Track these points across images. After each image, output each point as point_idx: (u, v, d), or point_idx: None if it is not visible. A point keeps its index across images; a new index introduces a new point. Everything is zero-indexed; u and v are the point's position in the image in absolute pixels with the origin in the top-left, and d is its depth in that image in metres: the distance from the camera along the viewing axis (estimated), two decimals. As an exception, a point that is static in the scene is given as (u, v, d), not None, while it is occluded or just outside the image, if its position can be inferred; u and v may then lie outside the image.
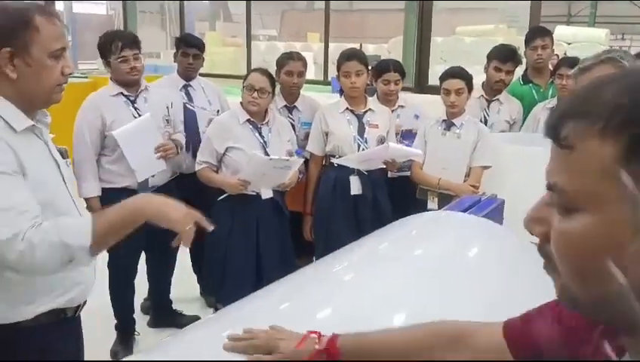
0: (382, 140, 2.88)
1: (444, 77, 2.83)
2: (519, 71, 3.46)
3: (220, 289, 2.76)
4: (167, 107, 2.89)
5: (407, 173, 2.95)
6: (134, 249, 2.84)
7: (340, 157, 2.86)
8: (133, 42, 2.73)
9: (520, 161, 2.50)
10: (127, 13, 9.17)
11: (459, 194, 2.60)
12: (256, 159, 2.58)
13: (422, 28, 5.58)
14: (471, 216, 1.86)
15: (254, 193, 2.69)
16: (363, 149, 2.85)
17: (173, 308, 3.23)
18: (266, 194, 2.70)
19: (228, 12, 15.90)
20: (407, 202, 2.85)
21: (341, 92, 3.03)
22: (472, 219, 1.84)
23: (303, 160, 2.85)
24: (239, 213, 2.70)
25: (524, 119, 3.25)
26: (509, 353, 0.84)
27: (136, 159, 2.67)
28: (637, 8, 13.02)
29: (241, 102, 2.77)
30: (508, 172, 2.64)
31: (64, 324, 1.51)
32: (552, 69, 3.39)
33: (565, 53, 6.06)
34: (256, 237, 2.73)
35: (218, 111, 3.24)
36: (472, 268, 1.56)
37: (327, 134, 2.92)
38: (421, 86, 5.52)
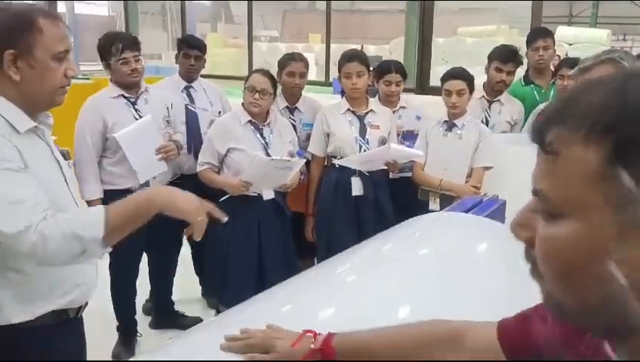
0: (383, 141, 2.88)
1: (446, 78, 2.83)
2: (520, 72, 3.46)
3: (222, 291, 2.76)
4: (168, 108, 2.89)
5: (409, 174, 2.95)
6: (135, 250, 2.84)
7: (341, 158, 2.86)
8: (134, 44, 2.74)
9: (521, 161, 2.48)
10: (128, 14, 9.19)
11: (460, 195, 2.61)
12: (258, 160, 2.58)
13: (423, 29, 5.59)
14: (473, 216, 1.86)
15: (256, 194, 2.69)
16: (364, 150, 2.85)
17: (175, 309, 3.24)
18: (268, 195, 2.71)
19: (229, 13, 15.92)
20: (409, 203, 2.85)
21: (342, 93, 3.04)
22: (474, 220, 1.84)
23: (304, 161, 2.85)
24: (241, 213, 2.70)
25: (526, 120, 3.25)
26: (502, 353, 0.84)
27: (137, 161, 2.67)
28: (638, 9, 13.01)
29: (242, 104, 2.77)
30: (509, 173, 2.64)
31: (66, 325, 1.52)
32: (553, 69, 3.39)
33: (567, 54, 6.07)
34: (258, 238, 2.73)
35: (220, 112, 3.24)
36: (475, 268, 1.56)
37: (328, 135, 2.92)
38: (422, 87, 5.52)
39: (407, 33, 6.04)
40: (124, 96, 2.75)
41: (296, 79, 3.06)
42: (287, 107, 3.12)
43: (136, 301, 3.02)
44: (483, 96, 3.24)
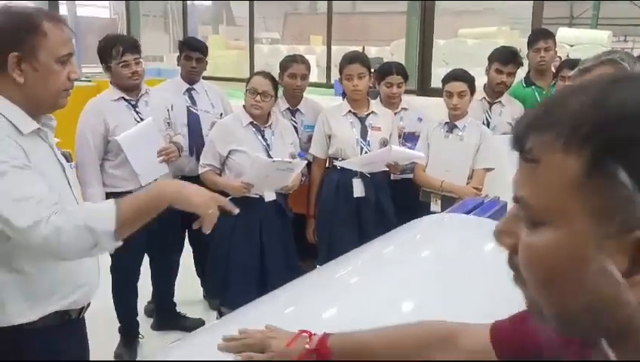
0: (384, 143, 2.89)
1: (447, 79, 2.84)
2: (521, 73, 3.46)
3: (224, 292, 2.77)
4: (168, 110, 2.89)
5: (410, 176, 2.96)
6: (137, 251, 2.84)
7: (342, 159, 2.87)
8: (134, 46, 2.74)
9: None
10: (130, 16, 9.20)
11: (462, 197, 2.61)
12: (260, 162, 2.59)
13: (424, 30, 5.60)
14: (474, 218, 1.87)
15: (257, 196, 2.69)
16: (366, 152, 2.86)
17: (177, 310, 3.24)
18: (269, 196, 2.71)
19: (231, 15, 15.93)
20: (410, 205, 2.85)
21: (344, 95, 3.04)
22: (476, 221, 1.85)
23: (305, 162, 2.85)
24: (242, 215, 2.68)
25: (527, 121, 3.24)
26: (494, 354, 0.84)
27: (139, 163, 2.68)
28: (639, 10, 13.00)
29: (244, 106, 2.77)
30: (510, 174, 2.63)
31: (68, 326, 1.52)
32: (554, 71, 3.39)
33: (568, 55, 6.06)
34: (260, 240, 2.73)
35: (221, 114, 3.24)
36: (477, 269, 1.56)
37: (329, 137, 2.92)
38: (424, 88, 5.53)
39: (408, 35, 6.05)
40: (124, 99, 2.76)
41: (297, 81, 3.06)
42: (288, 109, 3.13)
43: (138, 302, 3.02)
44: (484, 97, 3.24)
